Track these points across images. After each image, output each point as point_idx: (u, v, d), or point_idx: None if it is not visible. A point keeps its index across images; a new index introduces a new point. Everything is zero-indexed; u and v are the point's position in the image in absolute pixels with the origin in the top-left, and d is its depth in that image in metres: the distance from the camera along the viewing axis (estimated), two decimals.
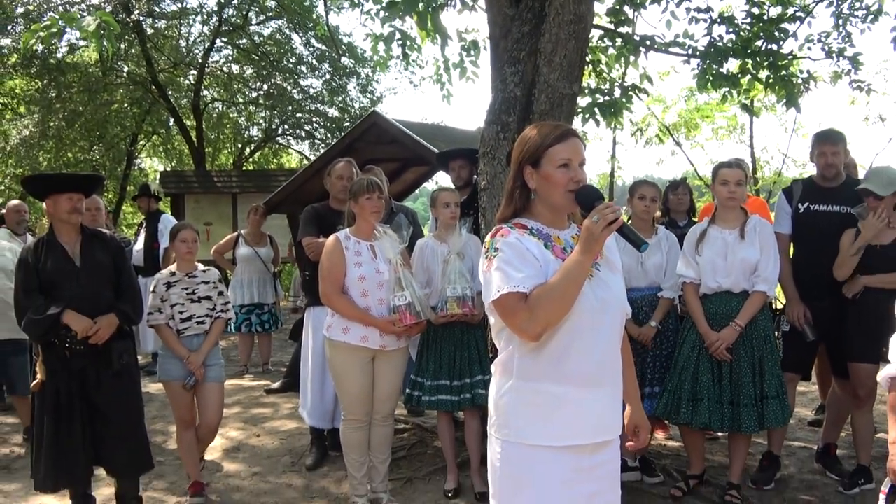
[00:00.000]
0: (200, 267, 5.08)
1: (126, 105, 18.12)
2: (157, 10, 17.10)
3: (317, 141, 19.56)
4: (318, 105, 19.15)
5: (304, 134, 20.08)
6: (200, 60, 18.06)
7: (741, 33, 6.18)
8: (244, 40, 18.42)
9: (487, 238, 2.57)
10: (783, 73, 6.06)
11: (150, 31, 17.48)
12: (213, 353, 4.98)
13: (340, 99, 19.25)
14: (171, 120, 18.96)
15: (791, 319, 5.16)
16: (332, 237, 4.68)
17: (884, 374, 3.21)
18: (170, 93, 18.04)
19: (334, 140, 14.24)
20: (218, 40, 18.23)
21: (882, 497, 3.14)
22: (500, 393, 2.60)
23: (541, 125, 2.65)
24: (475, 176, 5.53)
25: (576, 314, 2.45)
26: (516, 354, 2.55)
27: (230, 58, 19.36)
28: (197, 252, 5.06)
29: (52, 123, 16.35)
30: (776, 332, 5.30)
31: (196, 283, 4.97)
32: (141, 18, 16.23)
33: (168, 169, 20.93)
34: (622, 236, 2.44)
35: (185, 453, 5.06)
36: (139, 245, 8.99)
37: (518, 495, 2.55)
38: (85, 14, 4.74)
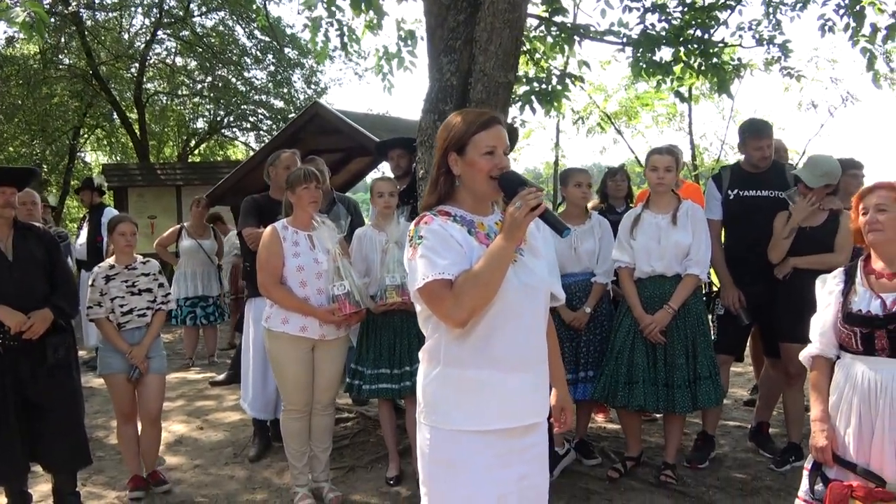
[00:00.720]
0: (139, 259, 5.05)
1: (67, 98, 17.78)
2: (97, 1, 16.80)
3: (262, 133, 19.43)
4: (263, 96, 19.02)
5: (249, 125, 19.95)
6: (142, 53, 17.77)
7: (674, 22, 6.28)
8: (186, 32, 18.16)
9: (411, 226, 2.60)
10: (715, 60, 6.17)
11: (89, 23, 17.18)
12: (154, 344, 4.96)
13: (285, 90, 19.12)
14: (114, 113, 18.64)
15: (726, 304, 5.29)
16: (269, 228, 4.67)
17: (805, 353, 3.32)
18: (112, 86, 17.74)
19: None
20: (160, 32, 17.97)
21: (805, 474, 3.24)
22: (427, 380, 2.63)
23: (465, 112, 2.67)
24: (414, 165, 5.56)
25: (500, 299, 2.48)
26: (443, 341, 2.57)
27: (173, 50, 19.10)
28: (135, 245, 5.02)
29: None
30: (710, 316, 5.44)
31: (136, 275, 4.94)
32: (80, 10, 15.92)
33: (112, 162, 20.59)
34: (545, 222, 2.47)
35: (125, 447, 5.03)
36: (82, 239, 8.86)
37: (447, 480, 2.58)
38: (16, 4, 4.66)
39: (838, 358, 3.20)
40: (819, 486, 3.09)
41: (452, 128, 2.62)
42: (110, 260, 4.99)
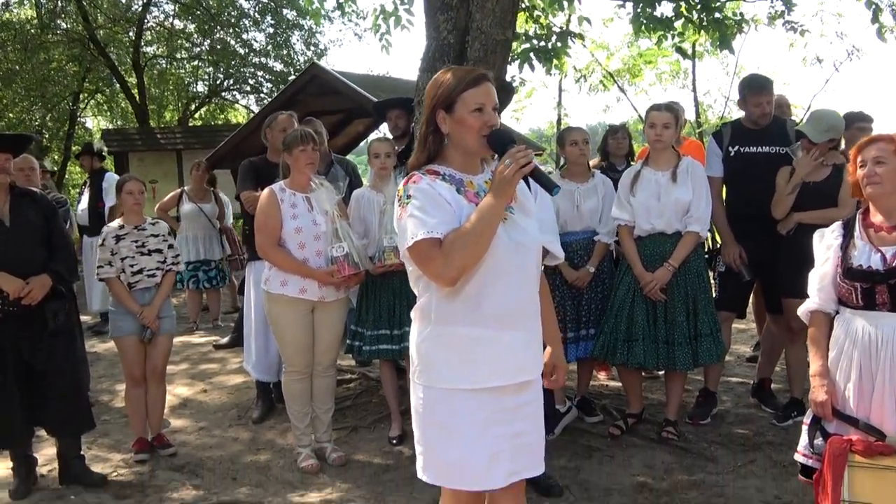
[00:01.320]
0: (149, 219, 5.05)
1: (65, 63, 17.64)
2: None
3: (262, 95, 19.27)
4: (263, 59, 18.86)
5: (249, 88, 19.81)
6: (139, 16, 17.59)
7: None
8: None
9: (400, 186, 2.58)
10: (717, 15, 6.08)
11: None
12: (165, 304, 4.99)
13: (285, 52, 18.95)
14: (114, 78, 18.52)
15: (727, 261, 5.26)
16: (266, 190, 4.65)
17: (804, 308, 3.31)
18: (110, 50, 17.60)
19: None
20: None
21: (804, 428, 3.24)
22: (419, 339, 2.63)
23: (454, 69, 2.64)
24: (413, 125, 5.51)
25: (490, 257, 2.47)
26: (434, 300, 2.57)
27: (171, 13, 18.92)
28: (144, 204, 5.03)
29: None
30: (712, 272, 5.42)
31: (145, 235, 4.94)
32: None
33: (112, 128, 20.50)
34: (534, 180, 2.46)
35: (132, 410, 5.05)
36: (83, 204, 8.84)
37: (440, 439, 2.59)
38: None
39: (837, 313, 3.18)
40: (819, 441, 3.09)
41: (440, 85, 2.59)
42: (120, 220, 4.99)
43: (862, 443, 2.92)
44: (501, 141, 2.47)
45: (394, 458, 4.89)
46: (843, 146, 5.36)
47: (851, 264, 3.07)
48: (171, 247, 5.03)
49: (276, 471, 4.77)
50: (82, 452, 4.73)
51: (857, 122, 5.74)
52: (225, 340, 7.94)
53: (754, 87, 5.32)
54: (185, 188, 9.05)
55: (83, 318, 7.29)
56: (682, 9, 6.08)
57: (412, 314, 2.69)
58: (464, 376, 2.54)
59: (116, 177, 9.11)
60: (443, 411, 2.58)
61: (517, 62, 6.21)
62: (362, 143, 11.62)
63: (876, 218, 3.13)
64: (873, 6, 6.11)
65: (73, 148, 18.97)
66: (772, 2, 6.64)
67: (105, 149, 12.84)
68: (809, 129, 4.93)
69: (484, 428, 2.55)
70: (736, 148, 5.29)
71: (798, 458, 3.24)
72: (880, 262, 3.00)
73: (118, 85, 18.68)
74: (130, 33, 18.16)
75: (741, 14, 6.68)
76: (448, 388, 2.56)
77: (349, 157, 9.36)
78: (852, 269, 3.06)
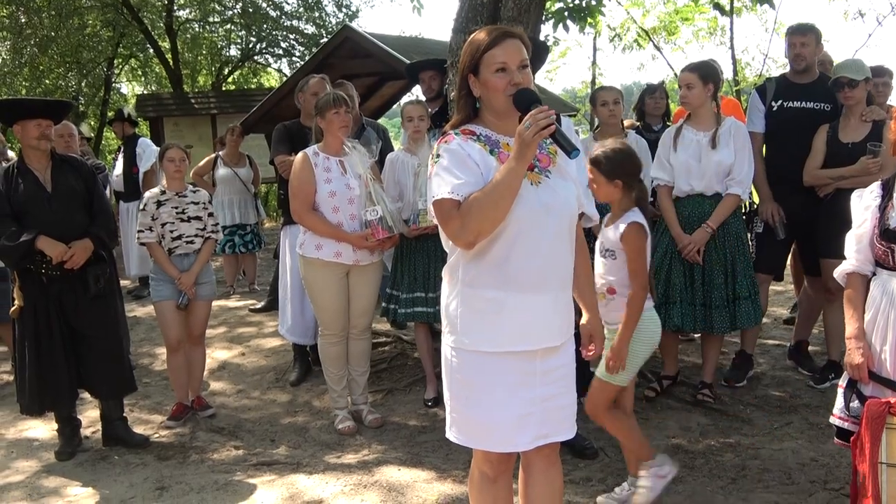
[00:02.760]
0: (190, 187, 5.10)
1: (99, 28, 17.71)
2: None
3: (295, 59, 19.21)
4: (294, 21, 18.78)
5: (281, 52, 19.76)
6: None
7: None
8: None
9: (435, 144, 2.57)
10: None
11: None
12: (205, 270, 5.06)
13: (316, 15, 18.86)
14: (147, 42, 18.58)
15: (764, 218, 5.19)
16: (300, 154, 4.66)
17: (840, 270, 3.25)
18: (143, 14, 17.63)
19: None
20: None
21: (840, 391, 3.20)
22: (448, 299, 2.64)
23: (480, 30, 2.60)
24: (446, 87, 5.47)
25: (516, 219, 2.45)
26: (461, 260, 2.56)
27: None
28: (185, 171, 5.07)
29: (24, 50, 16.00)
30: (749, 234, 5.35)
31: (186, 202, 5.00)
32: None
33: (147, 93, 20.62)
34: (555, 142, 2.41)
35: (174, 376, 5.14)
36: (118, 170, 8.92)
37: (469, 399, 2.61)
38: None
39: (874, 275, 3.12)
40: (855, 404, 3.06)
41: (468, 47, 2.57)
42: (162, 185, 5.04)
43: None
44: (525, 101, 2.42)
45: (429, 419, 4.93)
46: None
47: (889, 225, 3.01)
48: (210, 215, 5.08)
49: (314, 432, 4.84)
50: (125, 414, 4.84)
51: (875, 77, 5.61)
52: (261, 304, 8.02)
53: (790, 29, 5.31)
54: (220, 153, 9.09)
55: (122, 282, 7.39)
56: None
57: (443, 273, 2.69)
58: (488, 339, 2.53)
59: (149, 142, 9.19)
60: (470, 372, 2.59)
61: (551, 21, 6.12)
62: (395, 106, 11.57)
63: None
64: None
65: (109, 114, 19.14)
66: None
67: (135, 114, 12.93)
68: (847, 71, 4.90)
69: (511, 390, 2.56)
70: (780, 103, 5.20)
71: (834, 420, 3.21)
72: None
73: (152, 50, 18.72)
74: None
75: None
76: (474, 350, 2.56)
77: (382, 119, 9.35)
78: (889, 231, 3.00)
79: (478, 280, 2.53)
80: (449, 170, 2.45)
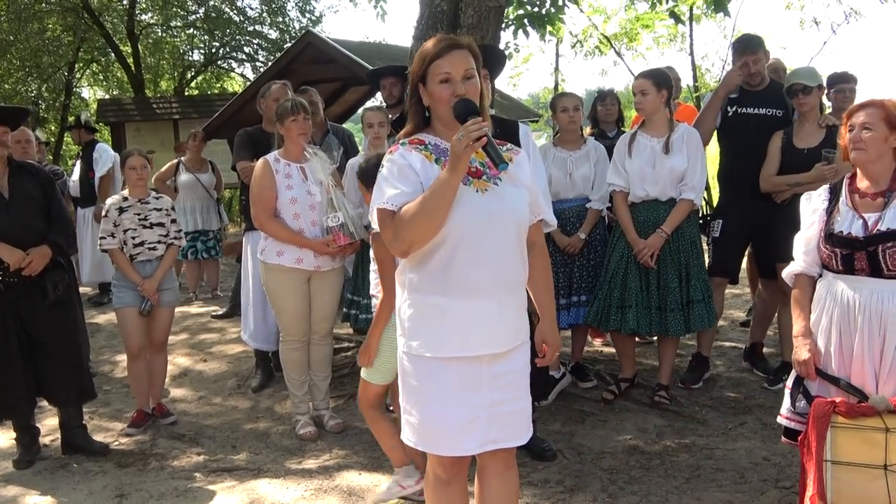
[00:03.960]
0: (153, 193, 5.09)
1: (60, 33, 17.53)
2: None
3: (258, 64, 19.20)
4: (258, 26, 18.75)
5: (245, 57, 19.73)
6: None
7: None
8: None
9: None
10: None
11: None
12: (167, 277, 5.04)
13: (280, 20, 18.85)
14: (109, 47, 18.41)
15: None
16: (260, 161, 4.67)
17: (788, 270, 3.35)
18: (104, 18, 17.47)
19: None
20: None
21: (786, 391, 3.30)
22: (398, 304, 2.68)
23: (432, 39, 2.63)
24: (406, 93, 5.51)
25: (459, 227, 2.48)
26: (406, 267, 2.61)
27: None
28: (147, 178, 5.06)
29: None
30: (705, 238, 5.46)
31: (148, 209, 4.98)
32: None
33: (108, 98, 20.43)
34: (486, 153, 2.43)
35: (134, 384, 5.12)
36: (75, 176, 8.85)
37: (419, 403, 2.64)
38: None
39: (820, 276, 3.22)
40: (801, 403, 3.15)
41: (417, 57, 2.61)
42: (124, 192, 5.03)
43: (845, 404, 2.97)
44: (463, 112, 2.43)
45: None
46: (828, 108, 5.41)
47: (833, 230, 3.10)
48: (173, 221, 5.07)
49: (275, 438, 4.85)
50: (84, 422, 4.80)
51: (838, 84, 5.77)
52: (223, 311, 8.01)
53: (738, 48, 5.41)
54: (182, 158, 9.05)
55: (82, 289, 7.33)
56: None
57: (395, 277, 2.74)
58: (432, 344, 2.56)
59: (106, 147, 9.12)
60: (418, 376, 2.62)
61: (511, 28, 6.20)
62: (359, 111, 11.60)
63: (862, 183, 3.15)
64: None
65: (70, 119, 18.93)
66: None
67: (93, 119, 12.82)
68: (801, 77, 5.01)
69: (456, 395, 2.58)
70: (734, 108, 5.31)
71: (781, 420, 3.30)
72: (861, 228, 3.03)
73: (113, 54, 18.59)
74: (125, 1, 18.03)
75: None
76: (420, 355, 2.59)
77: (346, 125, 9.36)
78: (833, 235, 3.09)
79: (422, 286, 2.56)
80: (387, 180, 2.51)
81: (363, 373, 3.78)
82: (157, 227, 4.99)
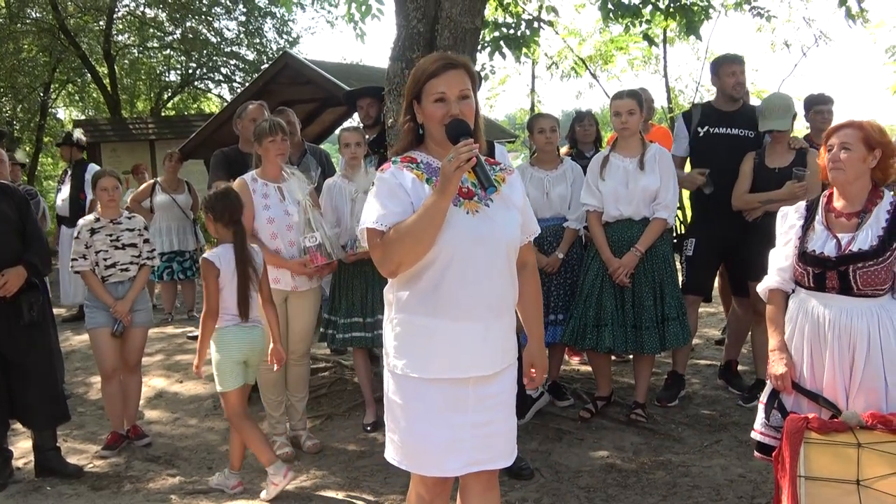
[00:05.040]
0: (125, 214, 5.07)
1: (35, 53, 17.46)
2: None
3: (235, 85, 19.24)
4: (235, 48, 18.77)
5: (222, 78, 19.73)
6: (110, 5, 17.43)
7: None
8: None
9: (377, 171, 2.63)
10: (684, 1, 6.15)
11: None
12: (140, 297, 5.01)
13: (257, 41, 18.89)
14: (85, 68, 18.35)
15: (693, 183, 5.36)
16: (238, 180, 4.67)
17: (763, 286, 3.39)
18: (81, 39, 17.43)
19: None
20: None
21: (760, 407, 3.33)
22: (385, 323, 2.67)
23: (430, 57, 2.64)
24: (383, 113, 5.55)
25: (449, 248, 2.47)
26: (395, 286, 2.60)
27: (141, 1, 18.76)
28: (119, 199, 5.04)
29: None
30: (679, 257, 5.52)
31: (120, 229, 4.96)
32: None
33: (84, 118, 20.34)
34: (474, 175, 2.44)
35: (109, 405, 5.08)
36: (64, 195, 8.81)
37: (402, 423, 2.63)
38: None
39: (794, 291, 3.26)
40: (776, 416, 3.18)
41: (413, 74, 2.61)
42: (96, 213, 5.00)
43: (818, 420, 3.01)
44: (455, 133, 2.45)
45: (368, 444, 4.95)
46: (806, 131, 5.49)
47: (807, 248, 3.15)
48: (146, 241, 5.05)
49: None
50: (58, 444, 4.76)
51: (816, 105, 5.88)
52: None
53: (728, 57, 5.49)
54: (158, 179, 9.02)
55: (57, 310, 7.26)
56: None
57: (384, 295, 2.73)
58: (419, 365, 2.55)
59: (98, 168, 9.07)
60: (403, 396, 2.61)
61: (488, 50, 6.26)
62: (337, 132, 11.62)
63: (838, 203, 3.20)
64: None
65: (45, 139, 18.81)
66: None
67: (84, 139, 12.76)
68: (776, 123, 5.05)
69: (439, 415, 2.57)
70: (705, 129, 5.38)
71: (754, 435, 3.34)
72: (834, 248, 3.08)
73: (89, 75, 18.53)
74: (101, 22, 18.00)
75: (708, 0, 6.76)
76: (405, 375, 2.58)
77: (323, 145, 9.38)
78: (806, 254, 3.14)
79: (410, 306, 2.55)
80: (377, 199, 2.50)
81: (217, 387, 4.33)
82: (130, 247, 4.97)
